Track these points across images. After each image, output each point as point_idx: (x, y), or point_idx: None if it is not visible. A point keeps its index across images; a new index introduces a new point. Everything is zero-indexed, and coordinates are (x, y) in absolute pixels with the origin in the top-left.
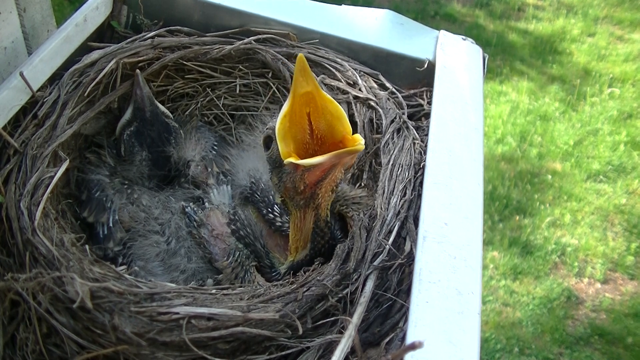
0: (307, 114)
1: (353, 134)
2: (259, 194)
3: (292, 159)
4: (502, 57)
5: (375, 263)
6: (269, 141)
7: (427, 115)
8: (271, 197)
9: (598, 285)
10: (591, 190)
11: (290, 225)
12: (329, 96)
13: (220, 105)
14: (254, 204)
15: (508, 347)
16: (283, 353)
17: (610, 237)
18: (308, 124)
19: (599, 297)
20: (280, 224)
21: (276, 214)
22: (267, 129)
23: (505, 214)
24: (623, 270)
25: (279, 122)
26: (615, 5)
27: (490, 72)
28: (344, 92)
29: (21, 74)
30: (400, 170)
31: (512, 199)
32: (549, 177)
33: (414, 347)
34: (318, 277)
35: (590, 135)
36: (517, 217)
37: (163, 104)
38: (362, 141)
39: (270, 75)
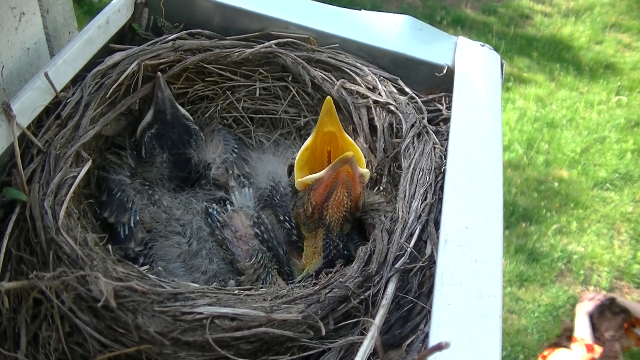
0: (327, 152)
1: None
2: (278, 198)
3: (299, 178)
4: (509, 64)
5: (397, 266)
6: (291, 169)
7: (446, 121)
8: (290, 203)
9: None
10: (598, 198)
11: (304, 247)
12: (351, 139)
13: (240, 108)
14: (272, 207)
15: (513, 354)
16: (305, 354)
17: (617, 245)
18: (327, 162)
19: None
20: (296, 238)
21: (293, 224)
22: (291, 158)
23: (512, 221)
24: (629, 279)
25: (300, 153)
26: (624, 13)
27: None
28: (364, 97)
29: (46, 75)
30: (421, 174)
31: (518, 206)
32: (556, 184)
33: (440, 347)
34: (340, 279)
35: (597, 142)
36: (524, 224)
37: (183, 106)
38: (364, 171)
39: (290, 79)
